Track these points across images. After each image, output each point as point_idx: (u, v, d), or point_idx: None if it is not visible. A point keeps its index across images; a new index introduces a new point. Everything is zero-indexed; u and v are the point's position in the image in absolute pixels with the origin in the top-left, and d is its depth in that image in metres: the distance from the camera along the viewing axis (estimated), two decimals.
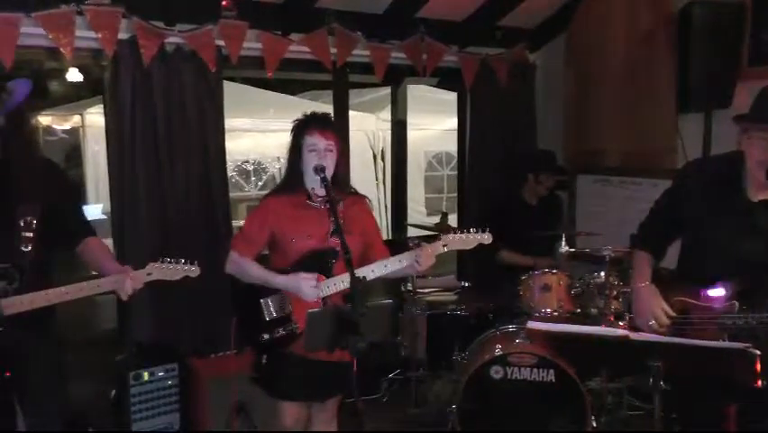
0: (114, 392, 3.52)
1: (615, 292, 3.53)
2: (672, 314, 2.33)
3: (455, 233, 2.70)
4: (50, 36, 3.21)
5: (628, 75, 4.35)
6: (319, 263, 2.62)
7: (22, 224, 2.35)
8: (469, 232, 2.69)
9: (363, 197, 2.85)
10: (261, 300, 2.66)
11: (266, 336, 2.64)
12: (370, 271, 2.57)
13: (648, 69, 4.25)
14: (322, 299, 2.58)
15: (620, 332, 1.92)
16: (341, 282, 2.57)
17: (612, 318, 3.48)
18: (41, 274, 2.46)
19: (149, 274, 2.45)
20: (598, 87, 4.55)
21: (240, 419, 3.43)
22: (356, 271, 2.46)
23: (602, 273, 3.58)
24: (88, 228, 2.67)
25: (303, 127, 2.67)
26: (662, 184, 4.20)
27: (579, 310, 3.64)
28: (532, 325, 2.01)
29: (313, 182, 2.63)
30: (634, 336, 1.88)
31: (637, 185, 4.46)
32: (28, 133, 2.58)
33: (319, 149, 2.60)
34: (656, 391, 1.99)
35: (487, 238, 2.70)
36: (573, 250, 3.88)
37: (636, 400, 3.89)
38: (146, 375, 3.44)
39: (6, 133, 2.31)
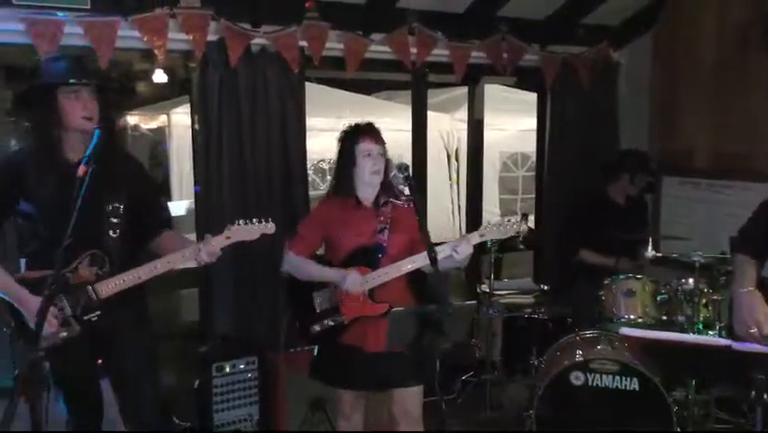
0: (197, 382, 3.63)
1: (704, 300, 3.38)
2: None
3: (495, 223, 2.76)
4: (145, 39, 3.34)
5: (720, 72, 4.17)
6: (366, 258, 2.79)
7: (109, 208, 2.47)
8: (507, 222, 2.74)
9: (409, 198, 2.92)
10: (313, 293, 2.83)
11: (317, 328, 2.81)
12: (411, 262, 2.72)
13: (741, 65, 4.07)
14: (368, 290, 2.75)
15: (722, 341, 1.83)
16: (384, 275, 2.74)
17: (701, 327, 3.34)
18: (128, 259, 2.55)
19: (228, 238, 2.52)
20: (687, 85, 4.38)
21: (316, 414, 3.48)
22: (398, 264, 2.71)
23: (691, 280, 3.44)
24: (165, 223, 2.75)
25: (356, 135, 2.83)
26: (754, 188, 4.08)
27: (665, 318, 3.50)
28: (626, 331, 1.95)
29: (370, 182, 2.80)
30: (736, 345, 1.79)
31: (728, 188, 4.26)
32: (116, 133, 2.71)
33: (374, 154, 2.78)
34: (759, 405, 1.89)
35: (524, 228, 2.73)
36: (660, 254, 3.73)
37: (725, 413, 3.72)
38: (228, 367, 3.53)
39: (103, 135, 2.38)
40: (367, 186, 2.82)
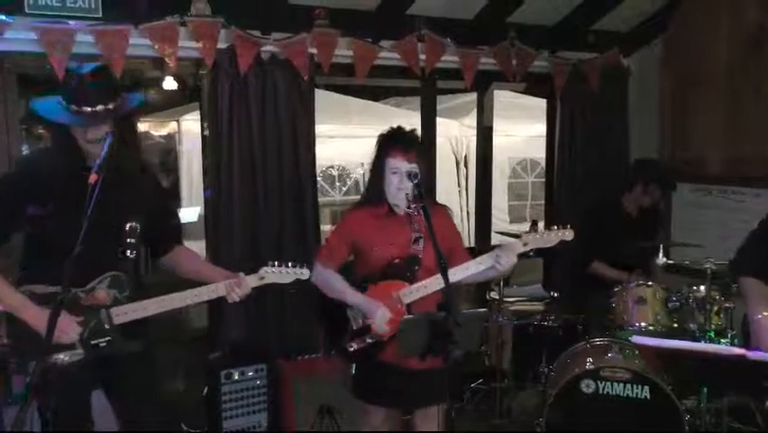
0: (205, 390, 3.63)
1: (716, 307, 3.36)
2: None
3: (538, 231, 2.66)
4: (156, 47, 3.36)
5: (733, 76, 4.16)
6: (401, 271, 2.66)
7: (127, 228, 2.35)
8: (550, 230, 2.64)
9: (443, 205, 2.86)
10: (348, 310, 2.70)
11: (354, 345, 2.67)
12: (452, 275, 2.54)
13: (754, 70, 4.05)
14: (405, 305, 2.61)
15: (737, 350, 1.82)
16: (423, 288, 2.60)
17: (713, 334, 3.32)
18: (143, 281, 2.48)
19: (261, 278, 2.45)
20: (698, 91, 4.38)
21: (325, 421, 3.48)
22: (438, 278, 2.50)
23: (702, 287, 3.41)
24: (179, 236, 2.67)
25: (387, 147, 2.67)
26: (765, 194, 4.05)
27: (676, 325, 3.47)
28: (638, 340, 1.94)
29: (394, 198, 2.66)
30: (751, 355, 1.78)
31: (739, 195, 4.23)
32: (134, 141, 2.51)
33: (401, 172, 2.61)
34: None
35: (568, 235, 2.65)
36: (671, 262, 3.71)
37: (737, 422, 3.68)
38: (236, 375, 3.52)
39: (114, 142, 2.25)
40: (395, 197, 2.67)
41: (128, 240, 2.35)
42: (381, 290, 2.64)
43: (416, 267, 2.65)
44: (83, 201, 2.15)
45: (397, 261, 2.66)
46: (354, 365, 2.78)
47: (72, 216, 2.19)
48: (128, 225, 2.35)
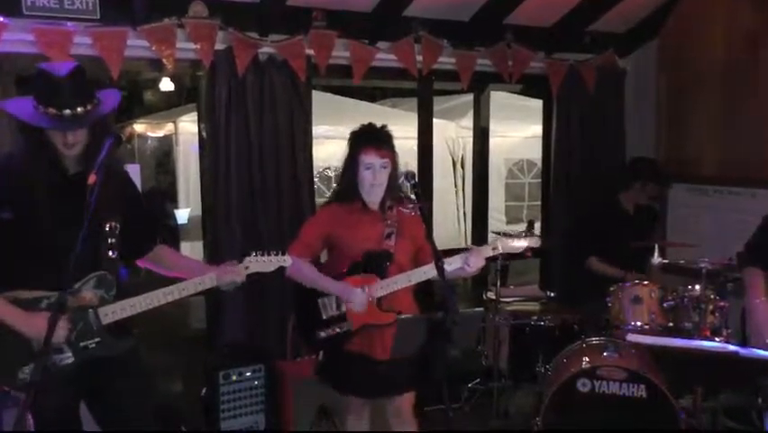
0: (203, 390, 3.64)
1: (711, 307, 3.38)
2: None
3: (507, 237, 2.76)
4: (153, 48, 3.37)
5: (728, 78, 4.18)
6: (374, 265, 2.73)
7: (107, 229, 2.31)
8: (518, 237, 2.74)
9: (416, 203, 2.86)
10: (319, 300, 2.76)
11: (323, 334, 2.75)
12: (422, 273, 2.66)
13: (749, 71, 4.07)
14: (377, 299, 2.69)
15: (730, 348, 1.84)
16: (393, 284, 2.68)
17: (708, 333, 3.33)
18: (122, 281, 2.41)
19: (246, 268, 2.44)
20: (694, 92, 4.39)
21: (323, 422, 3.49)
22: (409, 274, 2.64)
23: (697, 287, 3.44)
24: (158, 235, 2.64)
25: (360, 144, 2.72)
26: (761, 194, 4.08)
27: (671, 324, 3.49)
28: (633, 338, 1.96)
29: (368, 194, 2.73)
30: (744, 352, 1.80)
31: (735, 195, 4.26)
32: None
33: (375, 167, 2.68)
34: (767, 412, 1.89)
35: (535, 242, 2.75)
36: (667, 261, 3.74)
37: (732, 421, 3.70)
38: (234, 375, 3.53)
39: (90, 144, 2.24)
40: (368, 193, 2.74)
41: (109, 240, 2.32)
42: (353, 284, 2.70)
43: (388, 262, 2.73)
44: (62, 204, 2.16)
45: (369, 255, 2.73)
46: (322, 352, 2.88)
47: (51, 219, 2.19)
48: (108, 225, 2.32)
